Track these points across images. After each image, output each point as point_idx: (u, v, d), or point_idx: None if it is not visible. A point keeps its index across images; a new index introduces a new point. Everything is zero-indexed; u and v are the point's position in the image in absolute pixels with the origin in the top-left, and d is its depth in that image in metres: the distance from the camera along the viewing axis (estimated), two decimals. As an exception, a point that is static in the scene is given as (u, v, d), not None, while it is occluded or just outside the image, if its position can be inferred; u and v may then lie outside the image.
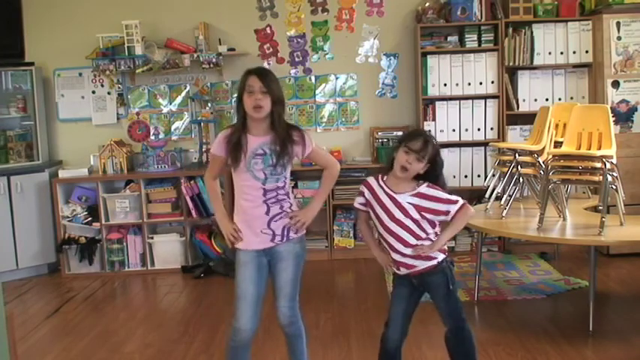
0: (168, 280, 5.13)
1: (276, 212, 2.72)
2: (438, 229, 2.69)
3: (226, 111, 5.71)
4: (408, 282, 2.73)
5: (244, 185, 2.72)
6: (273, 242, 2.73)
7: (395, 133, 5.42)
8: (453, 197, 2.66)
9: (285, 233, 2.74)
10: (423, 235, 2.65)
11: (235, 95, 5.60)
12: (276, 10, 5.61)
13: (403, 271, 2.70)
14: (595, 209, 4.33)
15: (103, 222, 5.35)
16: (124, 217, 5.39)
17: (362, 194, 2.75)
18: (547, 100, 5.30)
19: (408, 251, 2.65)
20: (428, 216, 2.64)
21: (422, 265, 2.66)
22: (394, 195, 2.65)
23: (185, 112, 5.73)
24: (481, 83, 5.34)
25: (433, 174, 2.67)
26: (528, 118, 5.03)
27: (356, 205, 2.79)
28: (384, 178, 2.71)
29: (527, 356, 3.37)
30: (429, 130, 5.09)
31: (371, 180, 2.75)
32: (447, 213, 2.64)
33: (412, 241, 2.64)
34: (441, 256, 2.69)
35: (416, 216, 2.63)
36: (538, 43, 5.25)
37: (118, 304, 4.70)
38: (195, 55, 5.46)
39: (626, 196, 3.93)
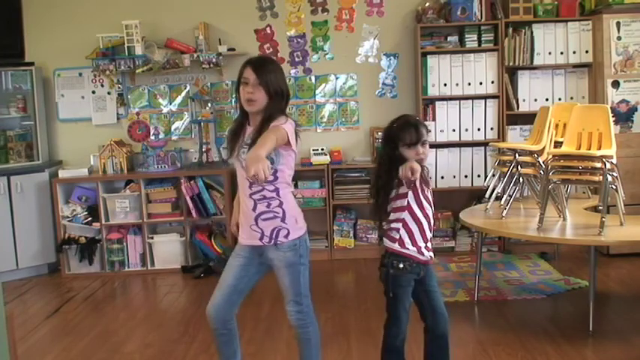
0: (168, 280, 5.13)
1: (263, 210, 2.62)
2: None
3: (226, 111, 5.70)
4: (417, 276, 2.72)
5: (238, 176, 2.70)
6: (261, 242, 2.65)
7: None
8: None
9: (274, 236, 2.63)
10: None
11: (235, 95, 5.67)
12: (276, 10, 5.61)
13: (427, 256, 2.74)
14: (595, 209, 4.32)
15: (103, 222, 5.35)
16: (124, 217, 5.39)
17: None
18: (547, 100, 5.30)
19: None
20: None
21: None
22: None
23: (185, 112, 5.73)
24: (481, 83, 5.34)
25: None
26: (528, 118, 5.03)
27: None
28: None
29: (527, 356, 3.37)
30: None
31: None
32: None
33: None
34: None
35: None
36: (538, 43, 5.25)
37: (118, 304, 4.70)
38: (195, 55, 5.46)
39: (626, 196, 3.93)
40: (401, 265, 2.69)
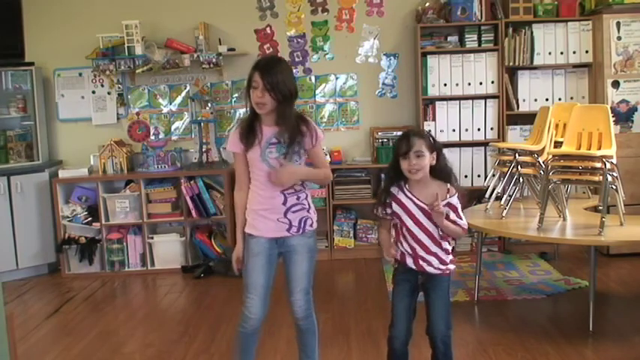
0: (168, 280, 5.12)
1: (293, 203, 2.72)
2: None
3: (226, 111, 5.71)
4: (412, 278, 2.72)
5: (261, 176, 2.70)
6: (288, 232, 2.73)
7: (395, 133, 5.39)
8: (464, 220, 2.69)
9: (302, 225, 2.74)
10: (442, 244, 2.70)
11: (235, 95, 5.68)
12: (276, 10, 5.61)
13: (412, 264, 2.69)
14: (595, 209, 4.33)
15: (103, 222, 5.35)
16: (124, 217, 5.39)
17: (389, 206, 2.70)
18: (547, 100, 5.30)
19: (429, 254, 2.68)
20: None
21: (438, 269, 2.69)
22: (427, 208, 2.62)
23: (185, 112, 5.73)
24: (481, 83, 5.34)
25: (442, 164, 2.67)
26: (528, 118, 5.03)
27: (381, 215, 2.74)
28: (407, 186, 2.68)
29: (527, 356, 3.37)
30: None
31: (395, 190, 2.69)
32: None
33: (433, 247, 2.67)
34: (451, 266, 2.73)
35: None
36: (538, 43, 5.25)
37: (118, 304, 4.70)
38: (195, 55, 5.46)
39: (626, 196, 3.93)
40: (395, 265, 2.80)
